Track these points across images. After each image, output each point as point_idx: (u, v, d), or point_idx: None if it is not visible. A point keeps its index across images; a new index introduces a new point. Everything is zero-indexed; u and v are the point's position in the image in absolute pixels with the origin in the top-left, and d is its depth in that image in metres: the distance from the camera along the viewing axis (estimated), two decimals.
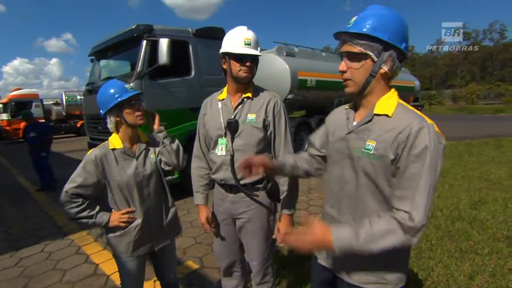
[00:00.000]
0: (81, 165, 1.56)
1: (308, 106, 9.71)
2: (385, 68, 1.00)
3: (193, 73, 5.02)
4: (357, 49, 1.00)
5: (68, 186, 1.53)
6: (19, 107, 17.27)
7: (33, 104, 17.69)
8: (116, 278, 2.65)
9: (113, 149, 1.61)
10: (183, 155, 1.69)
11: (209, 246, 3.23)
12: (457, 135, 11.22)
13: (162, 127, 1.66)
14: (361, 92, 1.04)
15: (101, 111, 1.60)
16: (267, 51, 8.48)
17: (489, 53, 60.74)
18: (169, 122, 4.67)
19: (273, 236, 1.62)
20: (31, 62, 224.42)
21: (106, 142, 1.64)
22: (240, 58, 1.53)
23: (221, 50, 1.58)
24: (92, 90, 5.46)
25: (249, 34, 1.55)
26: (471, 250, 2.80)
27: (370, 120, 1.04)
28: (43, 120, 17.71)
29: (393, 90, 1.06)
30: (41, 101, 18.35)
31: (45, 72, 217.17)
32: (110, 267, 2.87)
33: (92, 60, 5.89)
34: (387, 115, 1.01)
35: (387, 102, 1.03)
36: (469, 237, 3.04)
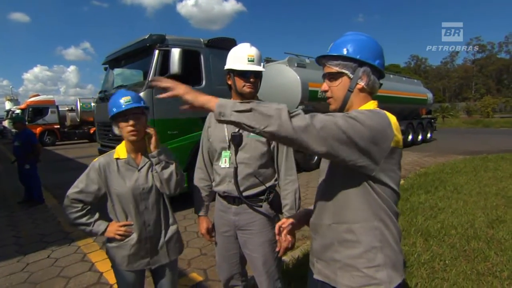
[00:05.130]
0: (86, 171, 1.58)
1: None
2: (361, 84, 1.09)
3: (204, 83, 5.05)
4: (334, 69, 1.10)
5: (71, 191, 1.55)
6: (36, 112, 17.94)
7: (49, 110, 18.33)
8: None
9: (117, 159, 1.59)
10: (177, 182, 1.58)
11: (214, 257, 3.11)
12: (471, 149, 10.91)
13: (155, 152, 1.54)
14: (342, 108, 1.12)
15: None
16: (278, 62, 8.52)
17: (505, 66, 59.53)
18: (180, 130, 4.72)
19: (276, 249, 1.58)
20: (50, 69, 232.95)
21: (112, 150, 1.63)
22: (244, 74, 1.57)
23: (226, 67, 1.62)
24: (104, 97, 5.56)
25: (253, 51, 1.59)
26: (488, 273, 2.65)
27: None
28: (63, 126, 18.14)
29: (372, 101, 1.12)
30: (57, 107, 18.95)
31: (63, 79, 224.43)
32: (114, 276, 2.82)
33: (105, 69, 6.02)
34: None
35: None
36: (486, 258, 2.88)
